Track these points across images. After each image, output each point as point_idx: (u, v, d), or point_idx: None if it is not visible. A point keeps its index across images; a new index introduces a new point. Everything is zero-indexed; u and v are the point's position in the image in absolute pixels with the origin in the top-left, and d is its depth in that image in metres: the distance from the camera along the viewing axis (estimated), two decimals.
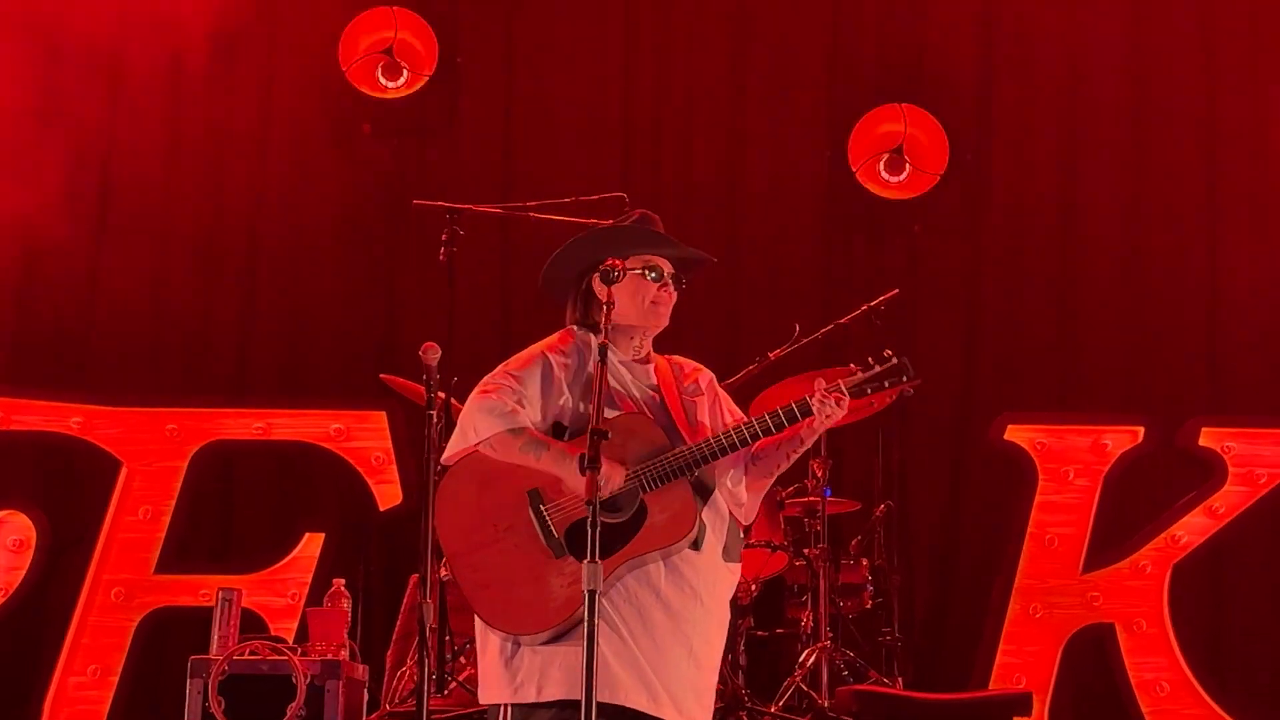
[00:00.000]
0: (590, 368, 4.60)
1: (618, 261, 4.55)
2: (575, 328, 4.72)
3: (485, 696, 4.62)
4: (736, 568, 4.71)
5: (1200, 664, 8.44)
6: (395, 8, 8.87)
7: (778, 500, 7.53)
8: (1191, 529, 8.54)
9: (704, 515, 4.56)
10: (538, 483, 4.53)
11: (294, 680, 6.00)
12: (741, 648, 7.41)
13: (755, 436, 4.50)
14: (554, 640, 4.46)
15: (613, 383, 4.60)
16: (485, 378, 4.64)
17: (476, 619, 4.62)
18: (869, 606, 7.85)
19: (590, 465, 4.18)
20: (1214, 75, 8.97)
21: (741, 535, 4.74)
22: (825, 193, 9.03)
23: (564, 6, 9.19)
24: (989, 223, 9.01)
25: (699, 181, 9.04)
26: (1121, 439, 8.63)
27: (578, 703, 4.27)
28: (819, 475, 7.54)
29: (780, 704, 7.19)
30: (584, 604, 4.31)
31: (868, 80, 9.11)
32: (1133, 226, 8.89)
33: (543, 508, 4.52)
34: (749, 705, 7.09)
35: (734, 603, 7.14)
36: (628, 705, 4.37)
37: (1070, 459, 8.62)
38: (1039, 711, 8.14)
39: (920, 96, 8.96)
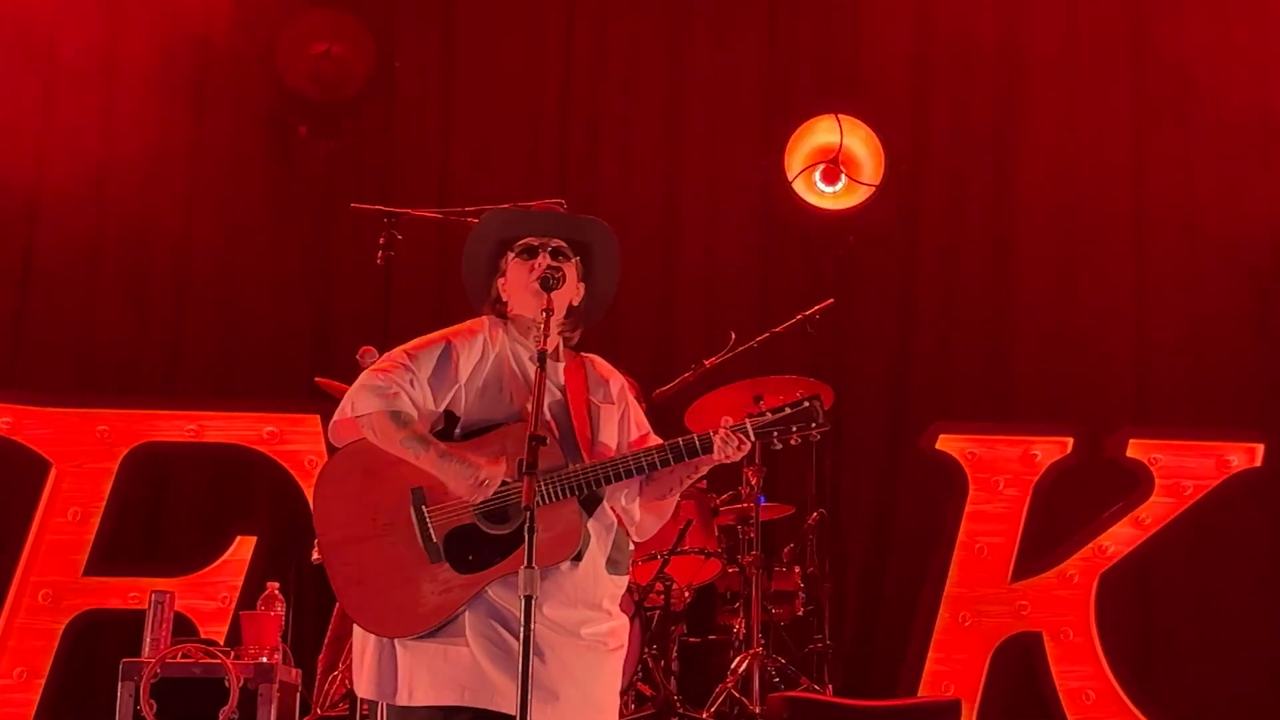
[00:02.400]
0: (494, 360, 4.52)
1: (552, 260, 4.53)
2: (487, 317, 4.63)
3: (358, 689, 4.51)
4: (622, 580, 4.58)
5: (1126, 672, 8.53)
6: (334, 12, 8.85)
7: (712, 507, 7.58)
8: (1118, 539, 8.64)
9: (590, 525, 4.44)
10: (422, 481, 4.39)
11: (227, 683, 5.97)
12: (674, 654, 7.44)
13: (653, 466, 4.39)
14: (424, 637, 4.35)
15: (518, 375, 4.50)
16: (384, 355, 4.54)
17: None
18: (801, 613, 7.89)
19: (528, 470, 4.08)
20: (1144, 90, 9.10)
21: (630, 548, 4.62)
22: (761, 202, 9.08)
23: (502, 13, 9.20)
24: (923, 234, 9.10)
25: (636, 188, 9.07)
26: (1051, 450, 8.72)
27: (449, 709, 4.27)
28: (753, 483, 7.57)
29: (712, 710, 7.21)
30: (450, 618, 4.31)
31: (804, 91, 9.17)
32: (1064, 241, 9.00)
33: (425, 509, 4.39)
34: (680, 711, 7.11)
35: (667, 608, 7.30)
36: (507, 711, 4.22)
37: (1000, 469, 8.71)
38: (967, 719, 8.21)
39: (856, 108, 9.03)
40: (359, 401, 4.39)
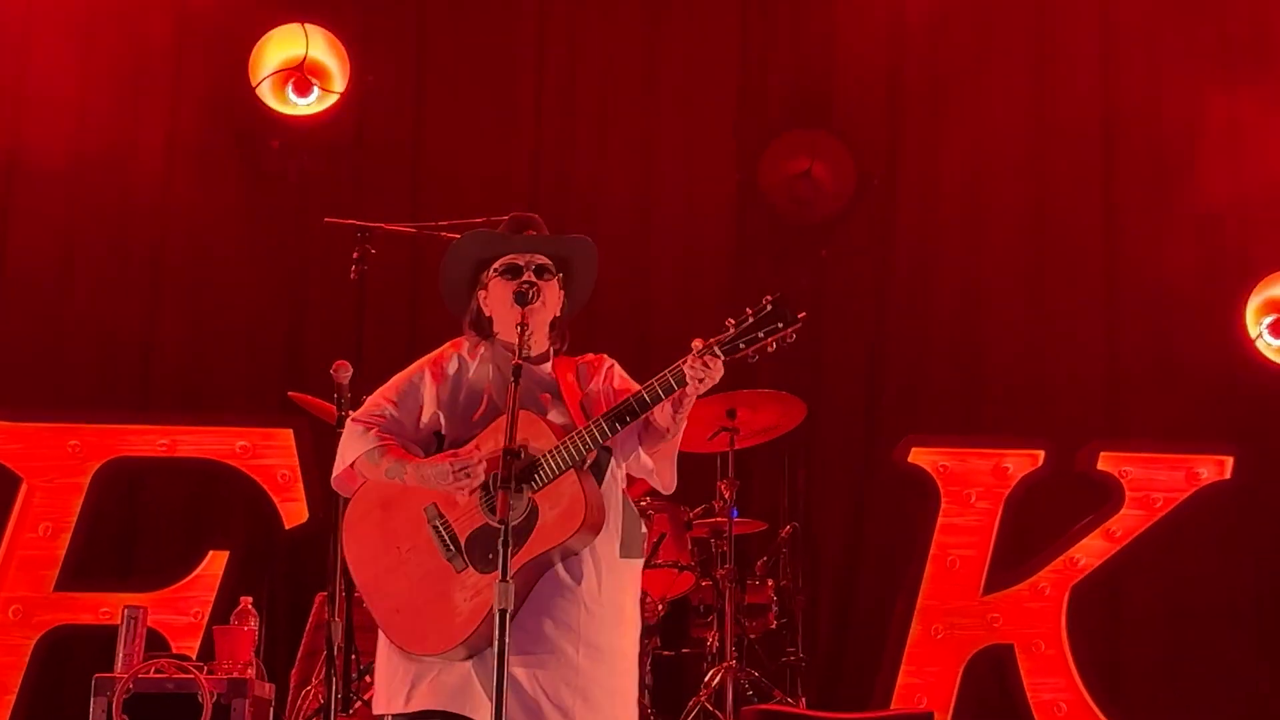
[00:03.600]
0: (472, 377, 4.61)
1: (536, 278, 4.57)
2: (466, 335, 4.70)
3: (374, 707, 4.62)
4: (637, 564, 4.60)
5: (1096, 684, 8.56)
6: (307, 24, 8.86)
7: (685, 521, 7.59)
8: (1089, 552, 8.66)
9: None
10: (433, 497, 4.48)
11: (200, 699, 5.95)
12: (648, 667, 7.44)
13: (632, 413, 4.33)
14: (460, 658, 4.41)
15: (498, 389, 4.54)
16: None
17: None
18: (774, 627, 7.90)
19: (503, 484, 4.12)
20: (1114, 107, 9.15)
21: (644, 530, 4.64)
22: (734, 216, 9.10)
23: (475, 27, 9.20)
24: (894, 248, 9.12)
25: (609, 202, 9.07)
26: (1022, 462, 8.75)
27: (436, 714, 4.34)
28: (726, 496, 7.59)
29: None
30: (486, 618, 4.30)
31: (777, 106, 9.20)
32: (1035, 254, 9.04)
33: (439, 522, 4.48)
34: None
35: (641, 622, 7.30)
36: None
37: (972, 481, 8.72)
38: None
39: (828, 123, 9.07)
40: (345, 451, 4.61)
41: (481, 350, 4.67)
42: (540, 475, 4.38)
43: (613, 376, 4.66)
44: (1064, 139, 9.10)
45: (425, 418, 4.59)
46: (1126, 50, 9.16)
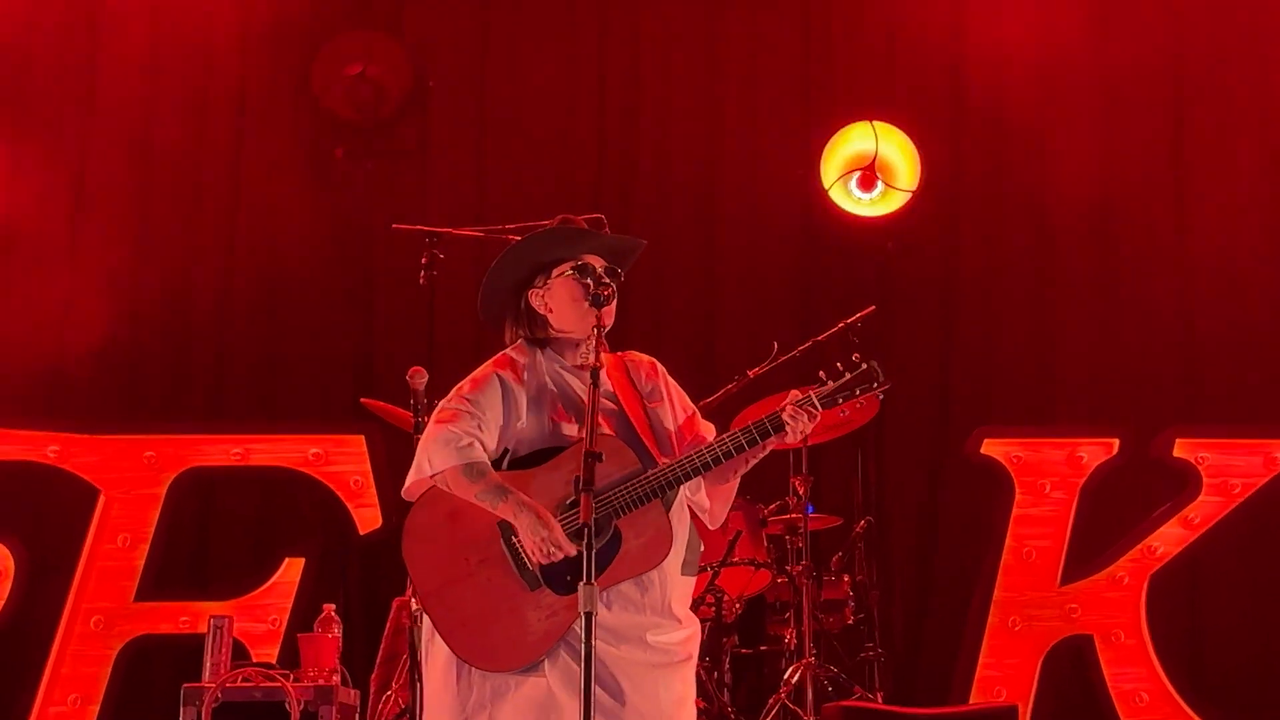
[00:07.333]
0: (534, 386, 4.53)
1: (605, 276, 4.52)
2: (523, 344, 4.63)
3: (431, 718, 4.48)
4: (692, 581, 4.60)
5: (1178, 673, 8.48)
6: (369, 32, 8.91)
7: (760, 518, 7.57)
8: (1167, 540, 8.59)
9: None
10: None
11: (287, 707, 6.00)
12: (726, 665, 7.44)
13: (729, 455, 4.40)
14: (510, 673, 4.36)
15: (559, 396, 4.51)
16: (442, 402, 4.52)
17: (425, 630, 4.52)
18: (851, 622, 7.88)
19: (585, 487, 4.10)
20: (1182, 90, 9.06)
21: (700, 547, 4.64)
22: (800, 211, 9.07)
23: (536, 29, 9.22)
24: (963, 239, 9.07)
25: (673, 201, 9.08)
26: (1097, 451, 8.68)
27: None
28: (800, 492, 7.57)
29: None
30: (563, 637, 4.29)
31: (840, 98, 9.15)
32: (1105, 241, 8.96)
33: (515, 540, 4.38)
34: None
35: (719, 620, 7.31)
36: None
37: (1046, 472, 8.66)
38: None
39: (893, 113, 9.01)
40: (435, 457, 4.40)
41: (536, 358, 4.58)
42: (626, 504, 4.36)
43: (672, 394, 4.64)
44: (1132, 121, 9.01)
45: (509, 433, 4.48)
46: (1196, 22, 9.05)
